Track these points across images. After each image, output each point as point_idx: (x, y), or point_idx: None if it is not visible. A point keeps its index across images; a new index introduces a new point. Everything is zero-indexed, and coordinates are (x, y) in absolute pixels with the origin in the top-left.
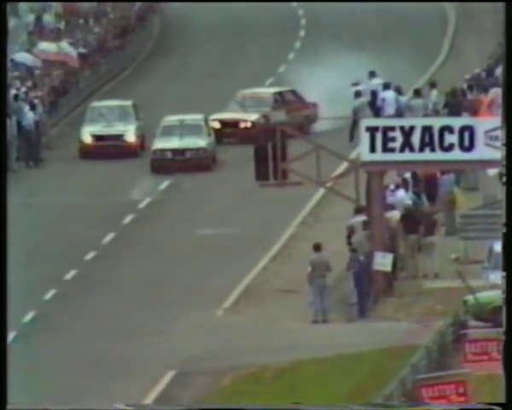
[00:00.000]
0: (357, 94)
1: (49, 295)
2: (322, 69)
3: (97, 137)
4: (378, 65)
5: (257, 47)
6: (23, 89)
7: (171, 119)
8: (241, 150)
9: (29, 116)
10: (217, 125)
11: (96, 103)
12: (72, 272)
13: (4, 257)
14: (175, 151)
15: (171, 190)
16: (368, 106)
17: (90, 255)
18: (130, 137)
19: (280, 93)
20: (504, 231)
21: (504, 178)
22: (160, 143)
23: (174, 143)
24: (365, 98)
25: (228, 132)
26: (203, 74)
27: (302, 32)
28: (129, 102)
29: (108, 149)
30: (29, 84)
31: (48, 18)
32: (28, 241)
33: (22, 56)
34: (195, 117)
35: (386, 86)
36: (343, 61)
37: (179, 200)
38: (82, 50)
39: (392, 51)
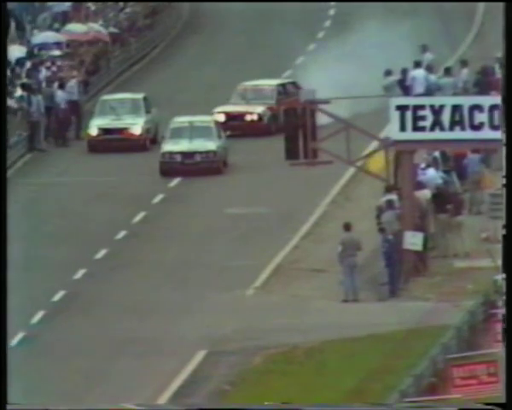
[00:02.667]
0: (388, 73)
1: (79, 275)
2: (352, 47)
3: (104, 131)
4: (409, 40)
5: (286, 27)
6: (53, 68)
7: (181, 120)
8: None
9: (59, 95)
10: (222, 118)
11: (106, 96)
12: (103, 252)
13: (4, 259)
14: (184, 154)
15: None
16: (398, 84)
17: (121, 235)
18: (137, 130)
19: (282, 85)
20: (504, 232)
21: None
22: (169, 146)
23: (183, 145)
24: (395, 77)
25: (234, 125)
26: (231, 55)
27: (332, 11)
28: (140, 95)
29: (114, 142)
30: (59, 63)
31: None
32: (58, 220)
33: (42, 36)
34: (205, 119)
35: (417, 65)
36: (373, 36)
37: (209, 179)
38: (113, 30)
39: (423, 28)
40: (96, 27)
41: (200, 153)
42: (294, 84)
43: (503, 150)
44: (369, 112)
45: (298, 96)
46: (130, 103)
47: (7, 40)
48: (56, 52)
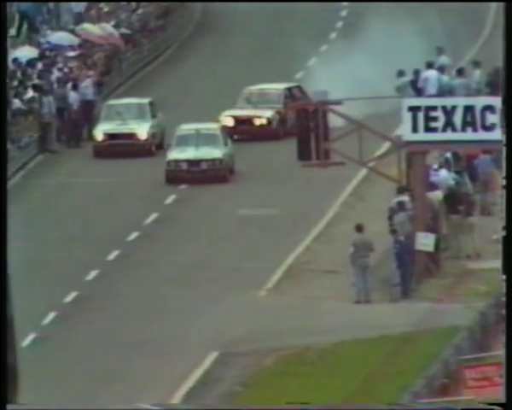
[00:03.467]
0: (400, 73)
1: (91, 276)
2: (365, 48)
3: (110, 136)
4: (422, 41)
5: (299, 27)
6: (65, 69)
7: (187, 127)
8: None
9: (71, 95)
10: (230, 122)
11: (112, 101)
12: (115, 253)
13: (4, 256)
14: (190, 162)
15: None
16: (410, 85)
17: (133, 236)
18: (143, 135)
19: (289, 89)
20: (504, 234)
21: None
22: (175, 154)
23: (189, 153)
24: (407, 77)
25: (242, 130)
26: (243, 56)
27: (344, 12)
28: (146, 100)
29: (120, 147)
30: (71, 64)
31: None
32: (70, 221)
33: (57, 36)
34: (212, 126)
35: (429, 65)
36: (385, 37)
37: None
38: (125, 31)
39: (435, 29)
40: (109, 29)
41: (207, 161)
42: (300, 88)
43: (503, 151)
44: (383, 113)
45: (304, 100)
46: (136, 108)
47: (17, 41)
48: (70, 53)
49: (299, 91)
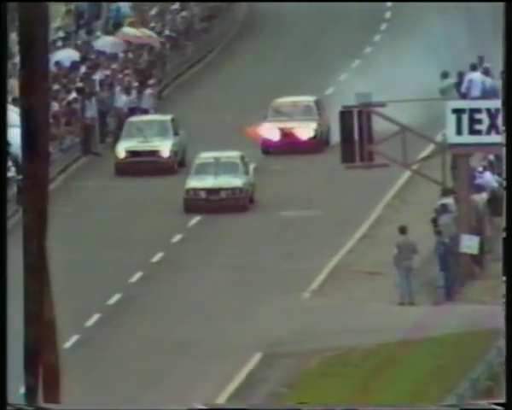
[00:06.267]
0: (444, 75)
1: (135, 278)
2: (409, 50)
3: (132, 153)
4: (465, 41)
5: (342, 28)
6: (108, 72)
7: (206, 156)
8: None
9: (121, 99)
10: (276, 135)
11: (133, 118)
12: (159, 255)
13: (4, 255)
14: (209, 191)
15: (256, 173)
16: (454, 88)
17: (177, 238)
18: (165, 152)
19: (315, 101)
20: (504, 235)
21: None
22: (194, 182)
23: (208, 182)
24: (452, 80)
25: (288, 143)
26: (287, 57)
27: (388, 14)
28: (168, 117)
29: (142, 165)
30: (116, 67)
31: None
32: (114, 223)
33: (102, 42)
34: (231, 154)
35: (473, 68)
36: (430, 39)
37: (265, 182)
38: (170, 33)
39: (480, 30)
40: (147, 33)
41: (226, 190)
42: (320, 101)
43: (503, 152)
44: (434, 117)
45: (323, 113)
46: (158, 125)
47: (73, 42)
48: (114, 58)
49: (321, 105)
